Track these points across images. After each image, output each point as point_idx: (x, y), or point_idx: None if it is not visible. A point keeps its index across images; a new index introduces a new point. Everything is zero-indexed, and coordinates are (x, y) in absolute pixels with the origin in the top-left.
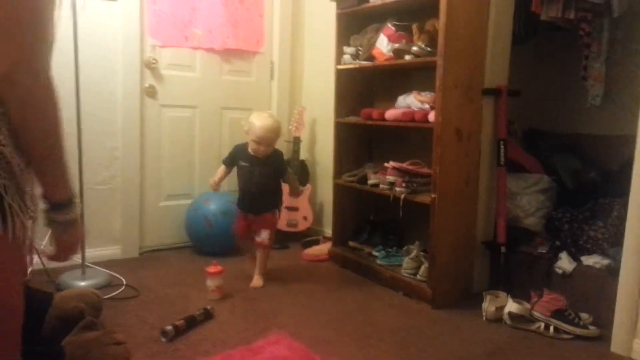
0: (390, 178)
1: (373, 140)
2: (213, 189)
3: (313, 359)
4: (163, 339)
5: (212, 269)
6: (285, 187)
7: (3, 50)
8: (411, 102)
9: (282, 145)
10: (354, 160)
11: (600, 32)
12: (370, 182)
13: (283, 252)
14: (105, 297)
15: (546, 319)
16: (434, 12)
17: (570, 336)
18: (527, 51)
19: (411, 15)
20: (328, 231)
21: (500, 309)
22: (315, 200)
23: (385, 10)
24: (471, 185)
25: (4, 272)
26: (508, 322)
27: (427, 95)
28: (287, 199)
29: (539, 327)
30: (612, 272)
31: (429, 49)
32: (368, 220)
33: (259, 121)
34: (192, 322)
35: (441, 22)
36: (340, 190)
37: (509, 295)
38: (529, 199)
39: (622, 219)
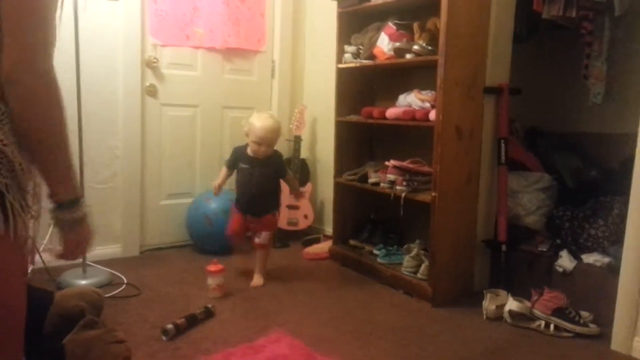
0: (390, 177)
1: (374, 139)
2: (216, 192)
3: (314, 357)
4: (164, 338)
5: (212, 267)
6: (285, 187)
7: (5, 51)
8: (412, 100)
9: (283, 144)
10: (354, 158)
11: (601, 31)
12: (371, 180)
13: (283, 250)
14: (106, 295)
15: (547, 317)
16: (435, 10)
17: (570, 334)
18: (529, 50)
19: (412, 14)
20: (329, 230)
21: (501, 307)
22: (316, 198)
23: (386, 9)
24: (472, 183)
25: (5, 272)
26: (508, 320)
27: (427, 94)
28: (287, 198)
29: (540, 325)
30: (613, 270)
31: (430, 47)
32: (369, 219)
33: (259, 122)
34: (193, 321)
35: (442, 21)
36: (340, 189)
37: (509, 294)
38: (530, 197)
39: (622, 217)
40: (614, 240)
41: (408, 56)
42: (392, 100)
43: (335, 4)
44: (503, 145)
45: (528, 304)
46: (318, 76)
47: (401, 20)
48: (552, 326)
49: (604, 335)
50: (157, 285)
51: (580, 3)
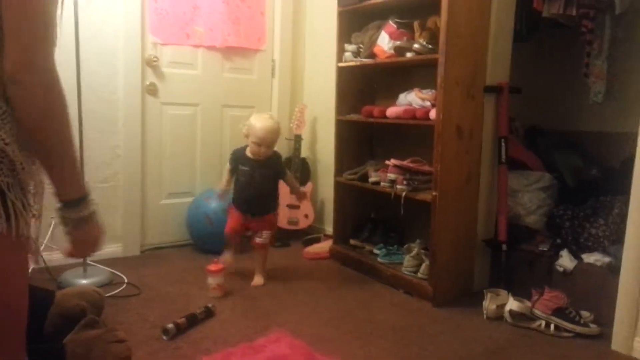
0: (391, 176)
1: (374, 138)
2: (221, 197)
3: (314, 356)
4: (164, 337)
5: (213, 267)
6: (285, 186)
7: (6, 51)
8: (412, 99)
9: (283, 143)
10: (355, 158)
11: (602, 29)
12: (371, 179)
13: (284, 250)
14: (107, 295)
15: (547, 317)
16: (435, 9)
17: (571, 334)
18: (529, 48)
19: (412, 13)
20: (329, 229)
21: (501, 307)
22: (316, 198)
23: (386, 7)
24: (472, 182)
25: (6, 272)
26: (509, 320)
27: (428, 93)
28: (288, 197)
29: (540, 325)
30: (613, 270)
31: (430, 46)
32: (369, 218)
33: (259, 123)
34: (193, 320)
35: (442, 20)
36: (341, 188)
37: (509, 293)
38: (530, 196)
39: (623, 216)
40: (615, 239)
41: (408, 55)
42: (392, 99)
43: (335, 2)
44: (503, 144)
45: (528, 303)
46: (318, 75)
47: (401, 19)
48: (552, 326)
49: (605, 335)
50: (158, 285)
51: (581, 1)
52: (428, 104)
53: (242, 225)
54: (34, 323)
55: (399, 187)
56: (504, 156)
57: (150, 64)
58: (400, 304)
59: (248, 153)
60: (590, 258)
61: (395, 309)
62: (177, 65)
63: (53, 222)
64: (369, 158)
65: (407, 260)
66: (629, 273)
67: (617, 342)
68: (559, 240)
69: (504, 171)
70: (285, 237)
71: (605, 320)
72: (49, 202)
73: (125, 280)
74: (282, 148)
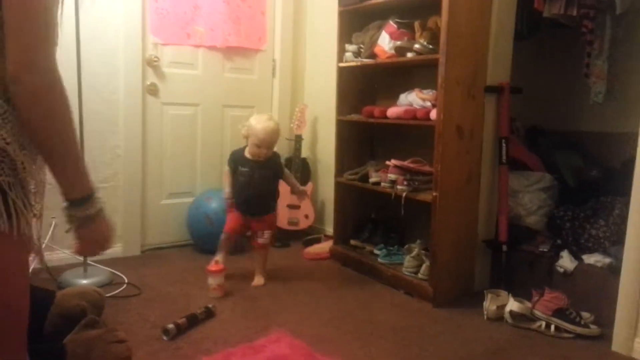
0: (391, 176)
1: (375, 138)
2: (230, 203)
3: (314, 357)
4: (165, 337)
5: (213, 267)
6: (285, 186)
7: (8, 51)
8: (413, 99)
9: (284, 143)
10: (355, 158)
11: (602, 29)
12: (372, 180)
13: (284, 250)
14: (107, 295)
15: (547, 317)
16: (436, 9)
17: (571, 335)
18: (530, 48)
19: (413, 13)
20: (329, 229)
21: (502, 307)
22: (317, 198)
23: (387, 7)
24: (473, 183)
25: (6, 272)
26: (509, 320)
27: (429, 93)
28: (288, 197)
29: (540, 326)
30: (614, 270)
31: (431, 46)
32: (369, 219)
33: (259, 124)
34: (193, 321)
35: (443, 20)
36: (341, 189)
37: (510, 294)
38: (531, 197)
39: (623, 217)
40: (615, 240)
41: (409, 55)
42: (393, 99)
43: (336, 2)
44: (504, 144)
45: (529, 304)
46: (319, 75)
47: (402, 19)
48: (552, 327)
49: (605, 336)
50: (158, 285)
51: (582, 1)
52: (429, 104)
53: (242, 225)
54: (34, 323)
55: (399, 187)
56: (504, 156)
57: (151, 64)
58: (401, 304)
59: (247, 154)
60: (590, 259)
61: (396, 310)
62: (178, 65)
63: (54, 222)
64: (370, 158)
65: (408, 261)
66: (630, 274)
67: (618, 343)
68: (559, 241)
69: (504, 171)
70: (286, 238)
71: (605, 321)
72: (50, 201)
73: (126, 281)
74: (283, 148)
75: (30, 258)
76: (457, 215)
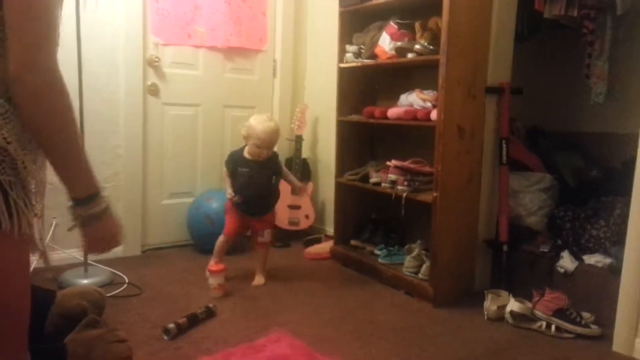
0: (392, 176)
1: (375, 139)
2: (237, 199)
3: (314, 357)
4: (165, 337)
5: (214, 267)
6: (285, 187)
7: (10, 51)
8: (413, 100)
9: (284, 144)
10: (356, 158)
11: (603, 30)
12: (372, 180)
13: (285, 250)
14: (108, 295)
15: (548, 318)
16: (436, 10)
17: (572, 335)
18: (530, 49)
19: (414, 13)
20: (330, 230)
21: (502, 307)
22: (317, 198)
23: (387, 8)
24: (473, 183)
25: (6, 272)
26: (510, 321)
27: (429, 94)
28: (289, 197)
29: (541, 326)
30: (614, 271)
31: (431, 47)
32: (370, 219)
33: (260, 125)
34: (194, 320)
35: (444, 20)
36: (342, 189)
37: (510, 294)
38: (531, 197)
39: (624, 217)
40: (616, 241)
41: (409, 55)
42: (393, 99)
43: (336, 3)
44: (504, 145)
45: (529, 304)
46: (319, 75)
47: (403, 20)
48: (553, 327)
49: (606, 336)
50: (159, 285)
51: (582, 2)
52: (429, 104)
53: (241, 226)
54: (35, 323)
55: (399, 187)
56: (505, 157)
57: (152, 64)
58: (401, 304)
59: (246, 154)
60: (591, 259)
61: (396, 310)
62: (179, 65)
63: (54, 222)
64: (370, 159)
65: (408, 261)
66: (630, 274)
67: (618, 343)
68: (559, 241)
69: (505, 172)
70: (286, 238)
71: (606, 321)
72: (50, 201)
73: (126, 280)
74: (283, 148)
75: (34, 258)
76: (458, 215)
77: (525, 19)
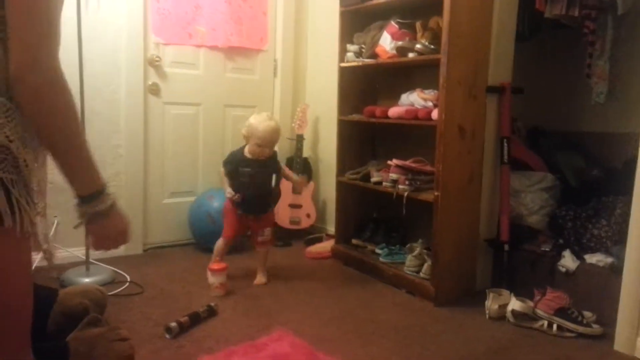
0: (393, 176)
1: (376, 138)
2: (237, 198)
3: (315, 356)
4: (167, 336)
5: (215, 265)
6: (286, 187)
7: (12, 50)
8: (414, 99)
9: (285, 143)
10: (357, 158)
11: (604, 30)
12: (373, 179)
13: (286, 249)
14: (110, 293)
15: (549, 317)
16: (437, 9)
17: (573, 334)
18: (531, 49)
19: (415, 13)
20: (331, 229)
21: (504, 307)
22: (318, 197)
23: (388, 7)
24: (474, 183)
25: (7, 271)
26: (511, 320)
27: (430, 93)
28: (290, 197)
29: (542, 325)
30: (616, 270)
31: (432, 46)
32: (371, 218)
33: (261, 124)
34: (195, 319)
35: (445, 20)
36: (343, 188)
37: (512, 293)
38: (533, 197)
39: (625, 217)
40: (617, 240)
41: (410, 55)
42: (394, 99)
43: (337, 2)
44: (505, 144)
45: (531, 303)
46: (320, 75)
47: (404, 19)
48: (554, 326)
49: (607, 336)
50: (160, 284)
51: (583, 2)
52: (430, 104)
53: (241, 227)
54: (37, 322)
55: (401, 187)
56: (506, 156)
57: (153, 63)
58: (402, 303)
59: (247, 154)
60: (592, 258)
61: (397, 309)
62: (180, 65)
63: (56, 221)
64: (371, 158)
65: (409, 260)
66: (632, 273)
67: (620, 343)
68: (561, 241)
69: (506, 171)
70: (287, 237)
71: (607, 320)
72: (52, 200)
73: (128, 279)
74: (284, 148)
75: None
76: (459, 214)
77: (526, 18)
